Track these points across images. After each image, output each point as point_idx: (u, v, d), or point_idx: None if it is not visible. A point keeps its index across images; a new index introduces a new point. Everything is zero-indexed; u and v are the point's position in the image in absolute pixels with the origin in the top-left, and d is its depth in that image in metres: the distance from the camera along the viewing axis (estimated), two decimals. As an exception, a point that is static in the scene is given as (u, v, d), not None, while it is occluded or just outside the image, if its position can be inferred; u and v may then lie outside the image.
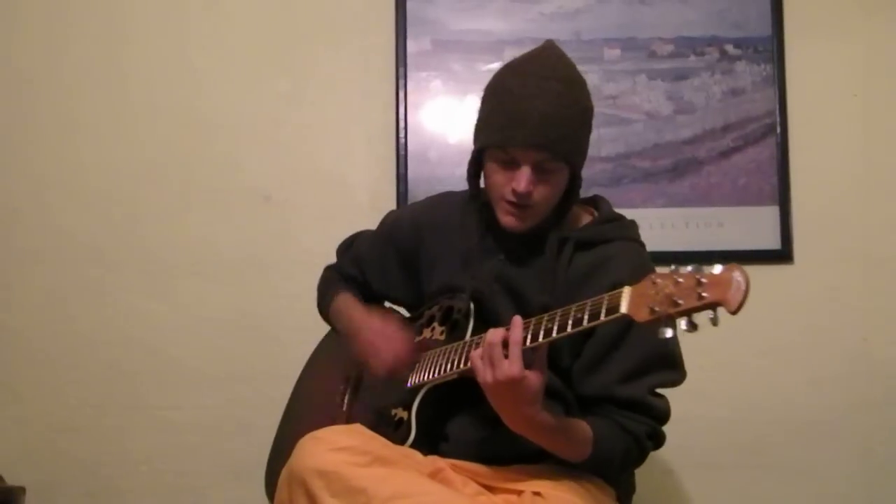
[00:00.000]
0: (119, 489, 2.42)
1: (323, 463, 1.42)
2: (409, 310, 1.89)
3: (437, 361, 1.62)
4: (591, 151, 1.65)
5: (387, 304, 1.95)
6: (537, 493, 1.53)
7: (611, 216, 1.73)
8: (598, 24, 2.46)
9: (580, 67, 1.64)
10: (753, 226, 2.41)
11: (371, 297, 1.92)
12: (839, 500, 2.40)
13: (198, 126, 2.49)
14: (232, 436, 2.40)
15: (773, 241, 2.41)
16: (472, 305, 1.66)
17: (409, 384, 1.66)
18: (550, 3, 2.47)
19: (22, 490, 2.20)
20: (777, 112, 2.43)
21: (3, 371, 2.45)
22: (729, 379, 2.40)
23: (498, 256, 1.70)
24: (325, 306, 1.94)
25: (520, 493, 1.55)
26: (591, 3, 2.46)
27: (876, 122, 2.45)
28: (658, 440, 1.62)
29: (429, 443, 1.61)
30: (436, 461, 1.58)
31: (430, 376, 1.61)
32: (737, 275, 1.19)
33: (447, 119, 2.45)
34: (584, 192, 1.69)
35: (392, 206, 2.37)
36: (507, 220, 1.62)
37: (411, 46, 2.45)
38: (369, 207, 2.37)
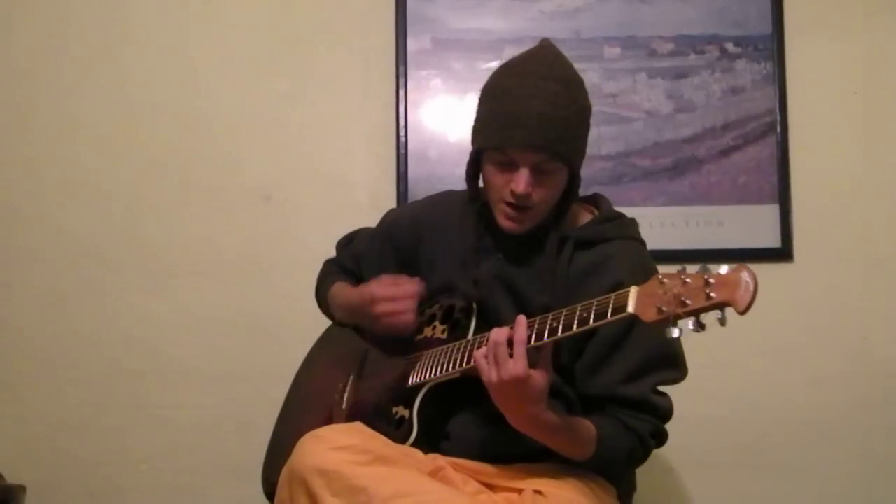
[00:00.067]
0: (119, 488, 2.42)
1: (323, 462, 1.42)
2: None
3: (438, 360, 1.62)
4: (591, 150, 1.65)
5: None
6: (538, 492, 1.53)
7: (611, 215, 1.73)
8: (598, 23, 2.46)
9: (580, 66, 1.65)
10: (753, 224, 2.41)
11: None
12: (839, 499, 2.40)
13: (198, 125, 2.49)
14: (232, 435, 2.40)
15: (773, 240, 2.41)
16: (474, 304, 1.66)
17: (410, 382, 1.66)
18: (550, 1, 2.46)
19: (22, 489, 2.20)
20: (777, 110, 2.43)
21: (4, 370, 2.45)
22: (729, 378, 2.40)
23: (497, 255, 1.70)
24: (322, 293, 1.94)
25: (520, 491, 1.55)
26: (590, 2, 2.46)
27: (876, 121, 2.45)
28: (661, 438, 1.63)
29: (430, 441, 1.61)
30: (436, 460, 1.58)
31: (432, 375, 1.61)
32: (745, 275, 1.20)
33: (447, 118, 2.45)
34: (584, 191, 1.69)
35: (392, 204, 2.37)
36: (505, 223, 1.62)
37: (411, 45, 2.45)
38: (369, 206, 2.37)
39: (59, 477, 2.41)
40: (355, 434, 1.49)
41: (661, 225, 2.41)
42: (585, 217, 1.73)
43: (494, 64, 2.33)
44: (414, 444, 1.58)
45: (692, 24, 2.45)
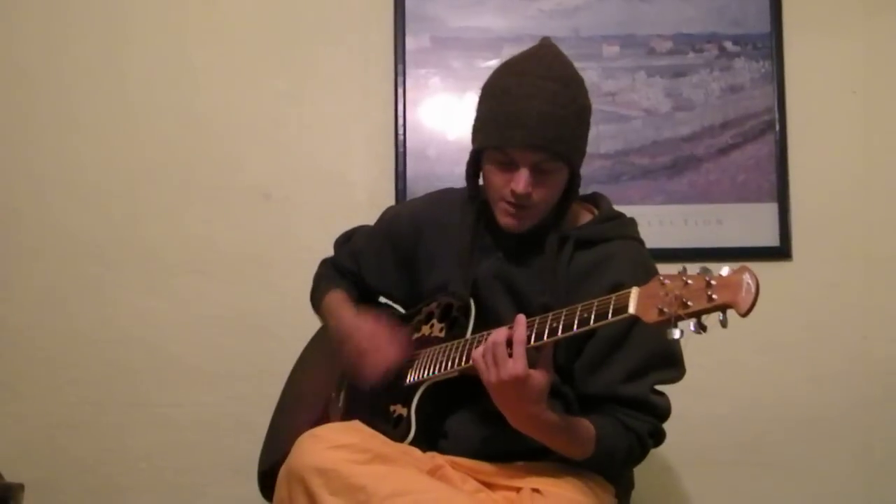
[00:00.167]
0: (119, 486, 2.42)
1: (322, 461, 1.42)
2: (404, 307, 1.89)
3: (437, 358, 1.62)
4: (590, 148, 1.65)
5: (381, 299, 1.96)
6: (536, 490, 1.53)
7: (611, 214, 1.73)
8: (597, 21, 2.46)
9: (579, 64, 1.64)
10: (752, 223, 2.41)
11: (366, 292, 1.92)
12: (838, 497, 2.40)
13: (197, 124, 2.49)
14: (231, 433, 2.40)
15: (771, 239, 2.41)
16: (472, 303, 1.66)
17: (408, 381, 1.66)
18: (549, 0, 2.47)
19: (21, 487, 2.20)
20: (776, 109, 2.43)
21: (3, 368, 2.45)
22: (728, 376, 2.40)
23: (497, 254, 1.70)
24: (317, 300, 1.94)
25: (519, 489, 1.55)
26: (589, 0, 2.46)
27: (875, 119, 2.45)
28: (659, 438, 1.63)
29: (428, 440, 1.62)
30: (435, 458, 1.58)
31: (430, 373, 1.61)
32: (747, 277, 1.20)
33: (446, 116, 2.45)
34: (583, 190, 1.69)
35: (391, 203, 2.37)
36: (506, 220, 1.62)
37: (410, 44, 2.45)
38: (368, 205, 2.36)
39: (58, 475, 2.41)
40: (354, 433, 1.49)
41: (659, 223, 2.41)
42: (585, 216, 1.73)
43: (493, 62, 2.34)
44: (412, 443, 1.59)
45: (691, 22, 2.45)
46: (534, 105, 1.53)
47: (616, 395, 1.59)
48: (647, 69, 2.45)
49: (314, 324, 1.99)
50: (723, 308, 1.22)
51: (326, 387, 1.85)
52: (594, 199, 1.78)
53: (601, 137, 2.40)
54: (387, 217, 1.93)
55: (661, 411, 1.62)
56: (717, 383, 2.38)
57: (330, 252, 2.01)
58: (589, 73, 2.37)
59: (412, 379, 1.66)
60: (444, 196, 1.87)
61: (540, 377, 1.42)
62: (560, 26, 2.44)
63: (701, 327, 1.24)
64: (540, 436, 1.50)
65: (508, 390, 1.42)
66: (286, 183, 2.48)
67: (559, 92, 1.55)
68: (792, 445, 2.41)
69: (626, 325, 1.54)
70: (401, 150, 2.43)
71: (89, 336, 2.45)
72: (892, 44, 2.48)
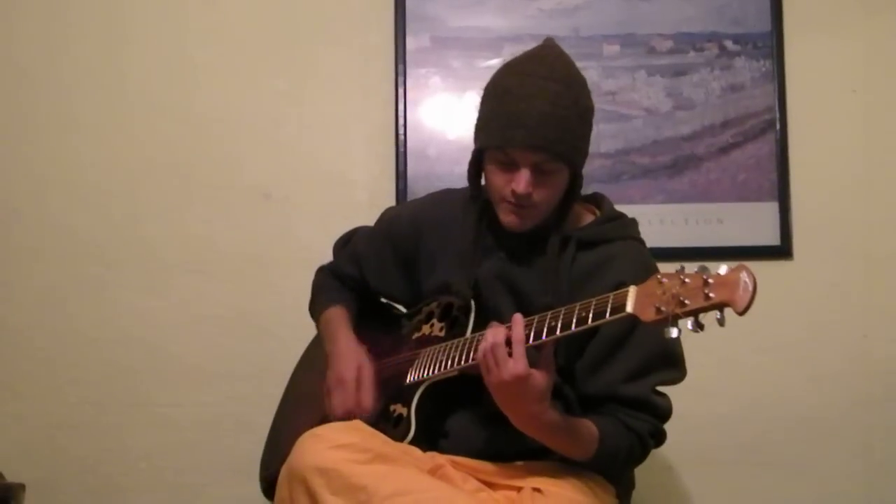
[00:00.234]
0: (119, 486, 2.42)
1: (323, 460, 1.42)
2: (406, 307, 1.89)
3: (437, 358, 1.62)
4: (591, 148, 1.65)
5: (383, 300, 1.96)
6: (537, 490, 1.53)
7: (612, 215, 1.73)
8: (597, 21, 2.46)
9: (579, 64, 1.64)
10: (753, 222, 2.41)
11: (368, 295, 1.92)
12: (839, 496, 2.40)
13: (197, 124, 2.49)
14: (231, 433, 2.40)
15: (772, 238, 2.41)
16: (472, 302, 1.65)
17: (408, 380, 1.66)
18: (549, -1, 2.47)
19: (22, 487, 2.20)
20: (776, 108, 2.43)
21: (3, 368, 2.45)
22: (728, 376, 2.40)
23: (498, 255, 1.70)
24: (315, 313, 1.94)
25: (520, 489, 1.55)
26: (590, 0, 2.46)
27: (875, 118, 2.45)
28: (660, 438, 1.63)
29: (428, 439, 1.62)
30: (435, 458, 1.58)
31: (430, 373, 1.61)
32: (744, 275, 1.20)
33: (446, 116, 2.45)
34: (584, 189, 1.69)
35: (392, 203, 2.37)
36: (508, 219, 1.62)
37: (410, 43, 2.45)
38: (369, 205, 2.36)
39: (58, 475, 2.41)
40: (354, 432, 1.49)
41: (660, 223, 2.41)
42: (587, 217, 1.73)
43: (494, 62, 2.35)
44: (412, 442, 1.59)
45: (691, 21, 2.45)
46: (535, 105, 1.53)
47: (617, 395, 1.59)
48: (647, 68, 2.45)
49: (313, 324, 1.98)
50: (720, 306, 1.22)
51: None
52: (595, 200, 1.78)
53: (601, 137, 2.40)
54: (386, 218, 1.92)
55: (662, 412, 1.62)
56: (718, 382, 2.37)
57: (329, 252, 2.01)
58: (589, 73, 2.34)
59: (412, 378, 1.66)
60: (444, 196, 1.87)
61: (541, 376, 1.42)
62: (560, 26, 2.44)
63: (698, 326, 1.24)
64: (542, 436, 1.50)
65: (510, 390, 1.42)
66: (286, 183, 2.48)
67: (561, 93, 1.55)
68: (792, 445, 2.40)
69: (628, 326, 1.54)
70: (401, 149, 2.43)
71: (89, 336, 2.45)
72: (893, 43, 2.48)
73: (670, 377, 1.63)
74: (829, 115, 2.46)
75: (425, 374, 1.62)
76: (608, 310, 1.34)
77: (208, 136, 2.49)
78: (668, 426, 1.64)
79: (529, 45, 1.68)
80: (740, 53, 2.44)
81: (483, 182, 1.69)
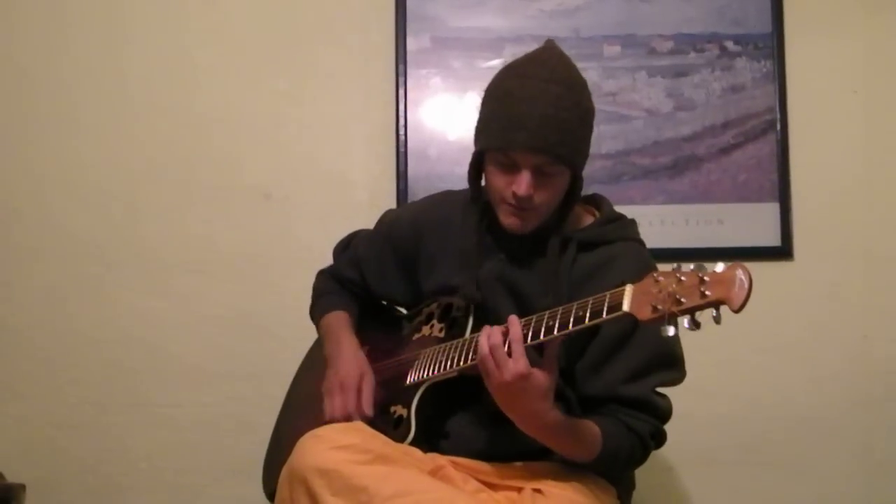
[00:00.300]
0: (119, 486, 2.42)
1: (324, 461, 1.42)
2: (407, 309, 1.88)
3: (436, 359, 1.62)
4: (591, 149, 1.65)
5: (384, 302, 1.95)
6: (538, 490, 1.53)
7: (612, 216, 1.73)
8: (598, 21, 2.45)
9: (579, 64, 1.64)
10: (753, 223, 2.41)
11: (369, 298, 1.92)
12: (839, 496, 2.40)
13: (198, 124, 2.49)
14: (232, 433, 2.40)
15: (773, 238, 2.41)
16: (471, 303, 1.65)
17: (408, 381, 1.66)
18: (550, 0, 2.46)
19: (22, 487, 2.20)
20: (777, 109, 2.43)
21: (4, 369, 2.45)
22: (729, 376, 2.40)
23: (499, 256, 1.70)
24: (316, 318, 1.93)
25: (520, 490, 1.55)
26: (590, 0, 2.46)
27: (876, 119, 2.45)
28: (660, 439, 1.63)
29: (428, 440, 1.62)
30: (436, 458, 1.58)
31: (430, 373, 1.61)
32: (740, 273, 1.20)
33: (447, 116, 2.45)
34: (584, 190, 1.69)
35: (392, 203, 2.37)
36: (509, 221, 1.62)
37: (411, 44, 2.45)
38: (369, 205, 2.37)
39: (59, 475, 2.41)
40: (355, 433, 1.49)
41: (661, 223, 2.41)
42: (587, 218, 1.72)
43: (494, 62, 2.35)
44: (412, 443, 1.59)
45: (692, 22, 2.45)
46: (536, 108, 1.53)
47: (617, 396, 1.58)
48: (648, 69, 2.45)
49: (314, 327, 1.98)
50: (716, 304, 1.21)
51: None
52: (595, 201, 1.78)
53: (602, 137, 2.40)
54: (387, 220, 1.92)
55: (663, 412, 1.62)
56: (718, 382, 2.37)
57: (329, 252, 2.00)
58: (590, 74, 2.36)
59: (412, 379, 1.66)
60: (444, 198, 1.87)
61: (543, 374, 1.42)
62: (561, 26, 2.44)
63: (695, 324, 1.24)
64: (546, 436, 1.50)
65: (512, 390, 1.42)
66: (286, 183, 2.48)
67: (562, 95, 1.55)
68: (792, 445, 2.40)
69: (629, 327, 1.54)
70: (402, 150, 2.43)
71: (89, 336, 2.45)
72: (893, 43, 2.48)
73: (670, 378, 1.63)
74: (829, 115, 2.46)
75: (425, 375, 1.62)
76: (605, 308, 1.33)
77: (208, 136, 2.49)
78: (669, 426, 1.64)
79: (530, 46, 1.68)
80: (741, 54, 2.44)
81: (483, 183, 1.69)
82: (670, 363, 1.61)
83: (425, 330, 1.74)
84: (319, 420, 1.67)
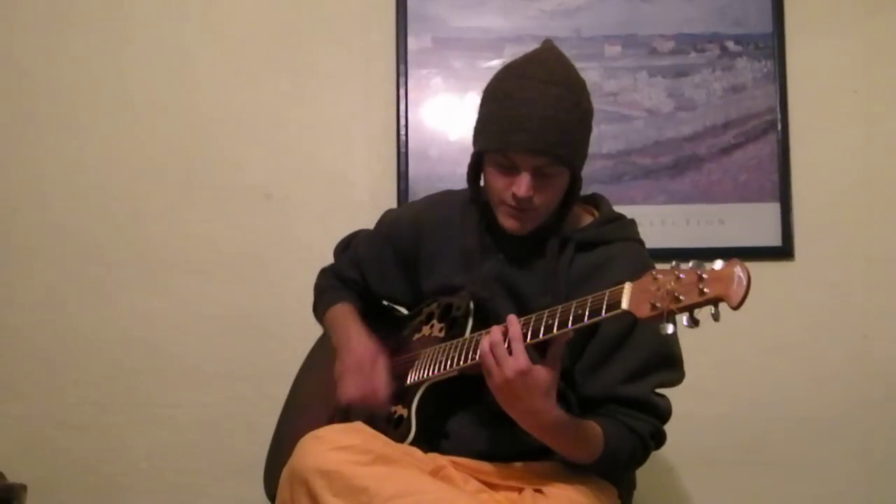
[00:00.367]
0: (120, 486, 2.42)
1: (324, 462, 1.42)
2: (408, 309, 1.88)
3: (436, 358, 1.62)
4: (592, 148, 1.65)
5: (385, 303, 1.95)
6: (538, 491, 1.53)
7: (611, 216, 1.73)
8: (599, 21, 2.45)
9: (580, 64, 1.64)
10: (754, 223, 2.41)
11: (371, 298, 1.91)
12: (839, 496, 2.40)
13: (198, 124, 2.49)
14: (232, 433, 2.40)
15: (773, 238, 2.41)
16: (471, 303, 1.65)
17: (408, 381, 1.66)
18: (551, 0, 2.46)
19: (23, 487, 2.20)
20: (778, 109, 2.43)
21: (4, 369, 2.45)
22: (729, 376, 2.40)
23: (498, 256, 1.70)
24: (320, 313, 1.93)
25: (521, 490, 1.55)
26: (591, 0, 2.46)
27: (877, 119, 2.45)
28: (660, 439, 1.63)
29: (429, 440, 1.61)
30: (436, 459, 1.58)
31: (430, 373, 1.61)
32: (738, 270, 1.20)
33: (448, 117, 2.45)
34: (584, 190, 1.69)
35: (393, 203, 2.37)
36: (508, 222, 1.62)
37: (412, 44, 2.45)
38: (370, 205, 2.36)
39: (60, 475, 2.41)
40: (356, 434, 1.49)
41: (661, 223, 2.41)
42: (586, 218, 1.72)
43: (495, 62, 2.35)
44: (412, 443, 1.58)
45: (693, 22, 2.45)
46: (536, 109, 1.53)
47: (617, 396, 1.58)
48: (648, 69, 2.45)
49: (315, 324, 1.98)
50: (714, 301, 1.21)
51: (332, 390, 1.84)
52: (594, 201, 1.77)
53: (603, 137, 2.40)
54: (387, 220, 1.92)
55: (662, 412, 1.62)
56: (719, 383, 2.38)
57: (330, 253, 2.00)
58: (590, 73, 2.37)
59: (412, 379, 1.66)
60: (444, 198, 1.86)
61: (545, 371, 1.41)
62: (561, 26, 2.44)
63: (693, 321, 1.24)
64: (547, 435, 1.49)
65: (514, 387, 1.42)
66: (287, 183, 2.48)
67: (561, 96, 1.55)
68: (792, 445, 2.41)
69: (628, 326, 1.55)
70: (402, 150, 2.43)
71: (89, 336, 2.45)
72: (893, 43, 2.48)
73: (669, 378, 1.63)
74: (830, 115, 2.46)
75: (425, 375, 1.62)
76: (604, 307, 1.33)
77: (209, 136, 2.49)
78: (669, 427, 1.64)
79: (531, 46, 1.67)
80: (742, 54, 2.44)
81: (482, 184, 1.69)
82: (669, 363, 1.61)
83: (425, 330, 1.74)
84: (320, 421, 1.67)
